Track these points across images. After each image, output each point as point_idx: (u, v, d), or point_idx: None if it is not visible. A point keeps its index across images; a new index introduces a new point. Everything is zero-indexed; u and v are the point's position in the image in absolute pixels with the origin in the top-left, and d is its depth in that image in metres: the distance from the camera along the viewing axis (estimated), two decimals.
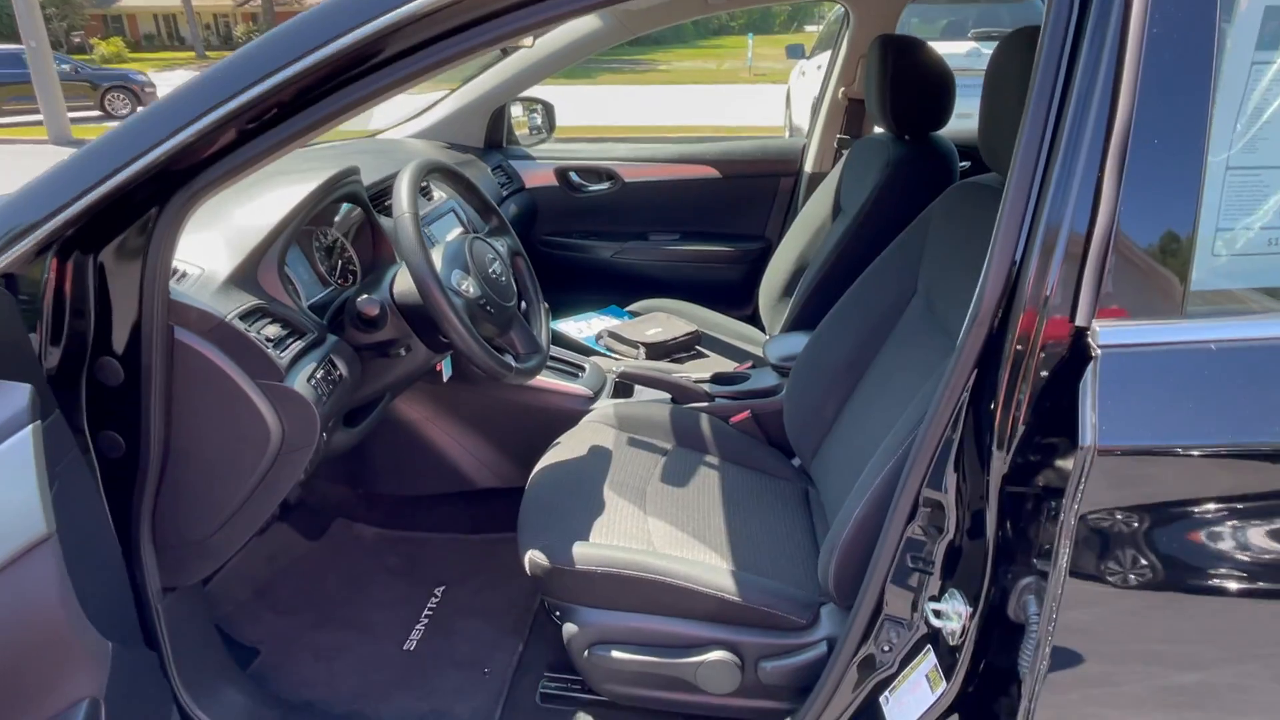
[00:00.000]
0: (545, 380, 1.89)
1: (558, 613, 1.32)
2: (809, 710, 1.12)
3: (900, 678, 1.03)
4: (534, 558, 1.30)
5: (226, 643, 1.62)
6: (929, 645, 1.00)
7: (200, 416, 1.16)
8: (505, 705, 1.47)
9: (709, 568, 1.30)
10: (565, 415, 1.83)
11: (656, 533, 1.39)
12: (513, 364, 1.43)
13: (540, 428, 1.81)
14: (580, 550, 1.30)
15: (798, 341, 1.71)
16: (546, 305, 1.73)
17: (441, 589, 1.79)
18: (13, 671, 0.83)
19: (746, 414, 1.77)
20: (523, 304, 1.69)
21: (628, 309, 2.51)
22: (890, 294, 1.50)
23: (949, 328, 1.30)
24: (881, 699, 1.05)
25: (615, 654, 1.28)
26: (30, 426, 0.83)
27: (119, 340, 1.09)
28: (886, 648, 1.03)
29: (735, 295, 2.76)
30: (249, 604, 1.73)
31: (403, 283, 1.43)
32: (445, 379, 1.77)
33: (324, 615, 1.72)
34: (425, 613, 1.72)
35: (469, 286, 1.43)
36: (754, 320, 2.52)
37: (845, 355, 1.53)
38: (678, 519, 1.43)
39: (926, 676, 1.00)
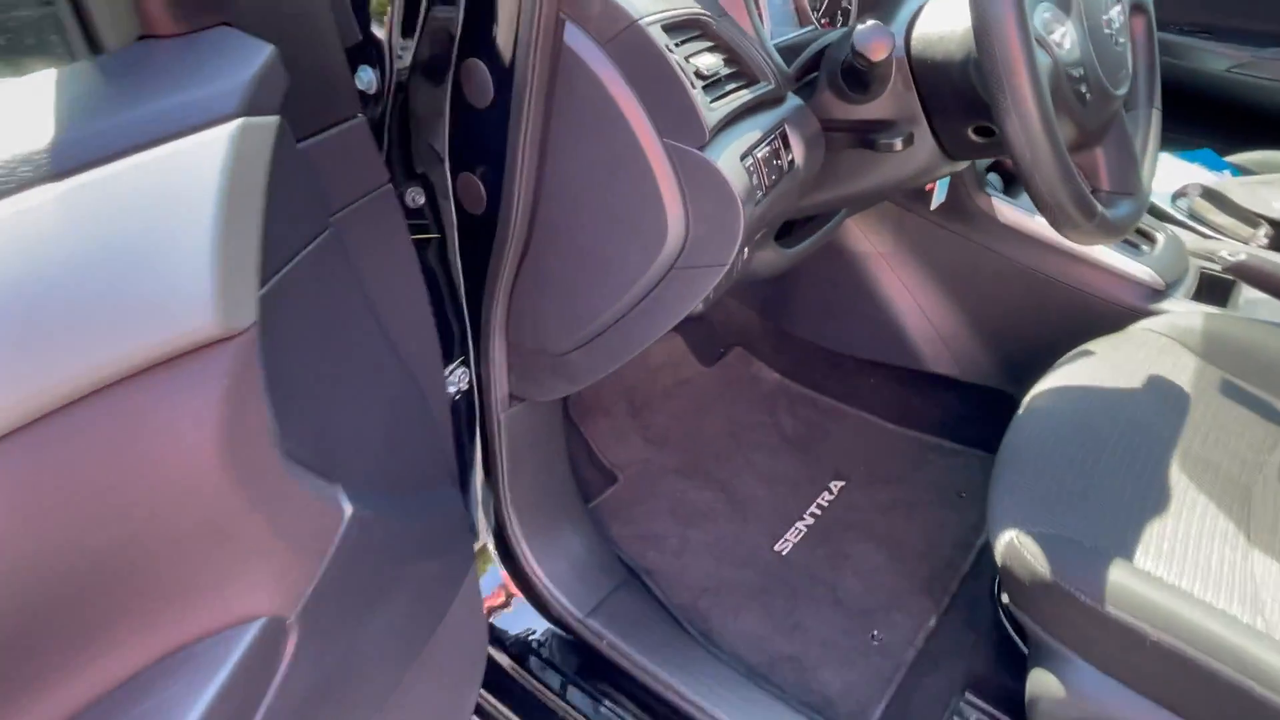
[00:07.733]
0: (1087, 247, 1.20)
1: (1022, 635, 0.78)
2: None
3: None
4: (1016, 549, 0.76)
5: (586, 454, 1.38)
6: None
7: (575, 178, 0.77)
8: (892, 703, 1.00)
9: None
10: (1106, 309, 1.17)
11: (1268, 588, 0.73)
12: (1097, 206, 0.78)
13: (1058, 317, 1.20)
14: (1122, 584, 0.71)
15: None
16: (1159, 112, 0.99)
17: (840, 485, 1.33)
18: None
19: None
20: (1127, 99, 0.96)
21: (1229, 160, 1.61)
22: None
23: None
24: None
25: None
26: (237, 123, 0.44)
27: (495, 37, 0.71)
28: None
29: None
30: (620, 417, 1.46)
31: (932, 24, 0.83)
32: (934, 206, 1.19)
33: (695, 464, 1.37)
34: (813, 509, 1.29)
35: (1066, 38, 0.78)
36: None
37: None
38: None
39: None
